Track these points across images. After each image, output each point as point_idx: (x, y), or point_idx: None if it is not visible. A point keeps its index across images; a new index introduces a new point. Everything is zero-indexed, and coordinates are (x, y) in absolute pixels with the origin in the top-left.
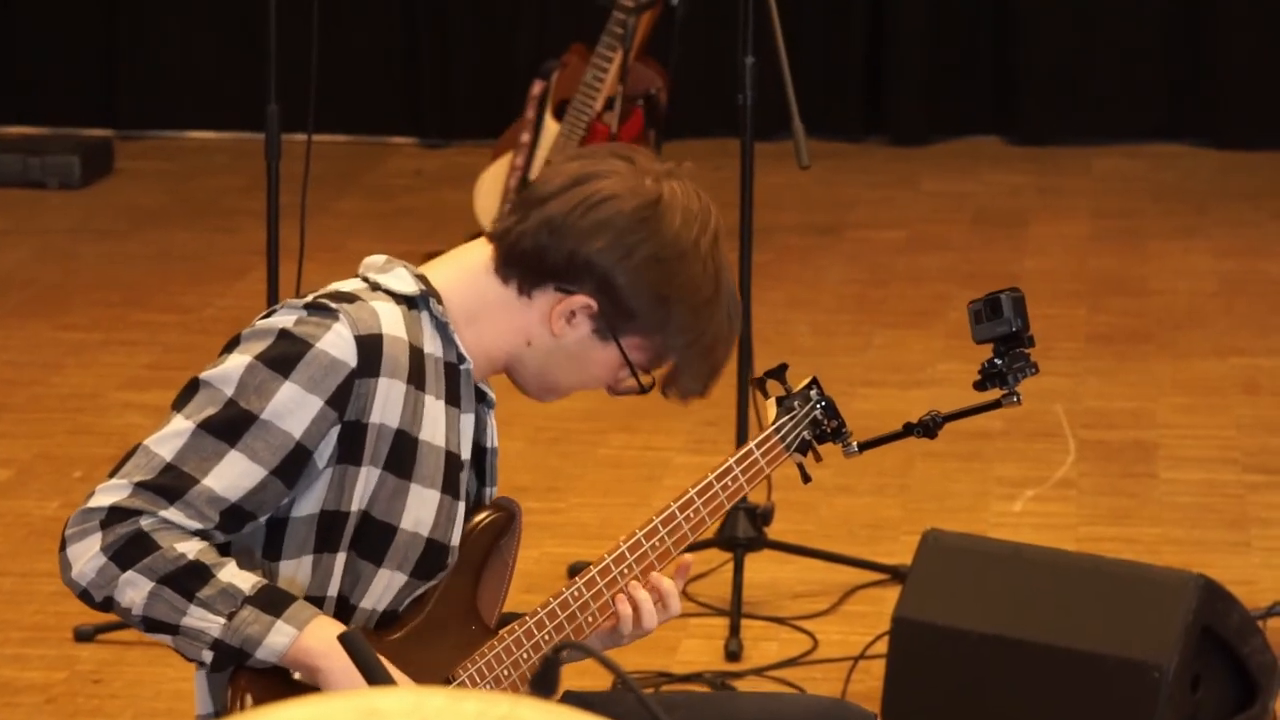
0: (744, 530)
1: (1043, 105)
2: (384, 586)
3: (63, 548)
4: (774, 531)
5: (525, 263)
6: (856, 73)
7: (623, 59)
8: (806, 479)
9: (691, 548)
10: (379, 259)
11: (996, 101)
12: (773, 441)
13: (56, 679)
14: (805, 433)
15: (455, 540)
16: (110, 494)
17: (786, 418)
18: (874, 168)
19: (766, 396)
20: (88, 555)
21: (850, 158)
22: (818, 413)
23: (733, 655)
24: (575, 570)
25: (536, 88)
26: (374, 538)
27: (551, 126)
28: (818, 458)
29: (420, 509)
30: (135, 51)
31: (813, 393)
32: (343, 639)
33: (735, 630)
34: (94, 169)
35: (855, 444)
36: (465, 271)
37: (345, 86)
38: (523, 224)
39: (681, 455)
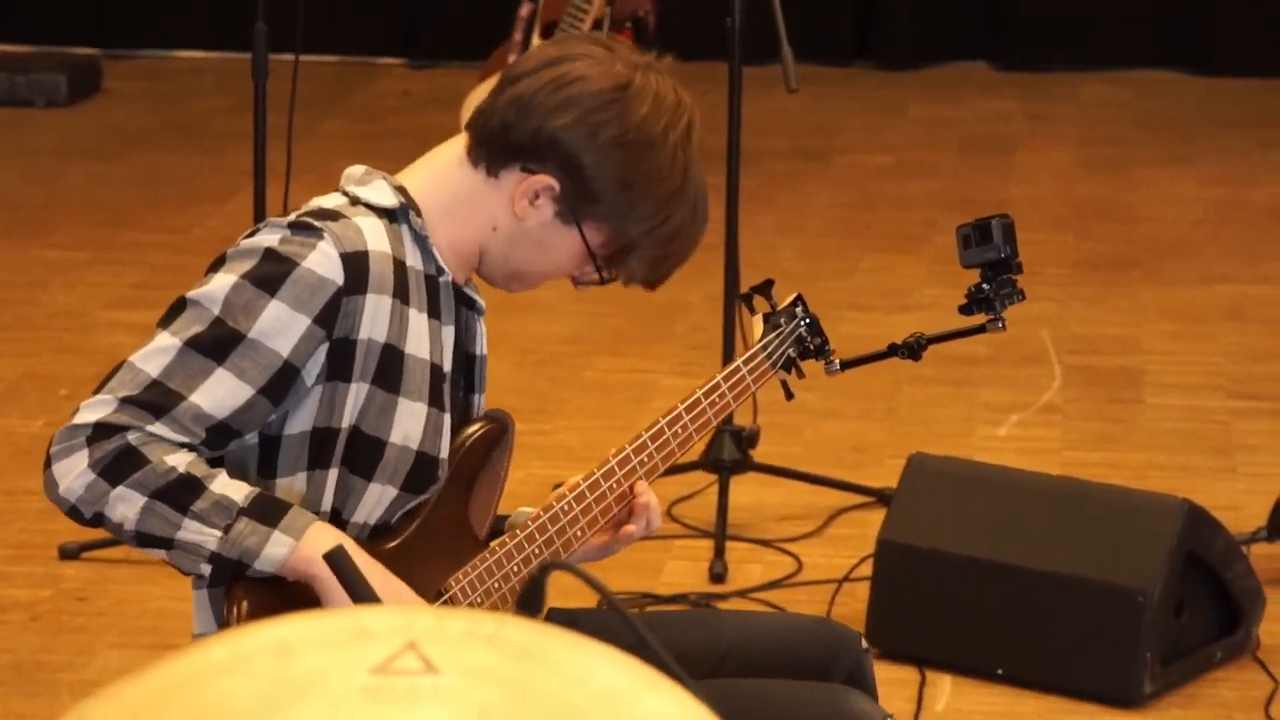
0: (729, 453)
1: (1031, 31)
2: (375, 501)
3: (47, 465)
4: (759, 454)
5: (493, 141)
6: None
7: None
8: (790, 396)
9: (676, 470)
10: (358, 170)
11: (985, 27)
12: (759, 359)
13: (41, 597)
14: (790, 350)
15: (444, 453)
16: (95, 410)
17: (773, 335)
18: (862, 93)
19: (753, 313)
20: (75, 472)
21: (838, 83)
22: (802, 330)
23: (717, 577)
24: None
25: (524, 9)
26: (364, 452)
27: None
28: (800, 375)
29: (408, 423)
30: None
31: (798, 310)
32: (327, 557)
33: (720, 552)
34: (81, 88)
35: (838, 362)
36: (438, 168)
37: (333, 6)
38: (494, 103)
39: (668, 378)
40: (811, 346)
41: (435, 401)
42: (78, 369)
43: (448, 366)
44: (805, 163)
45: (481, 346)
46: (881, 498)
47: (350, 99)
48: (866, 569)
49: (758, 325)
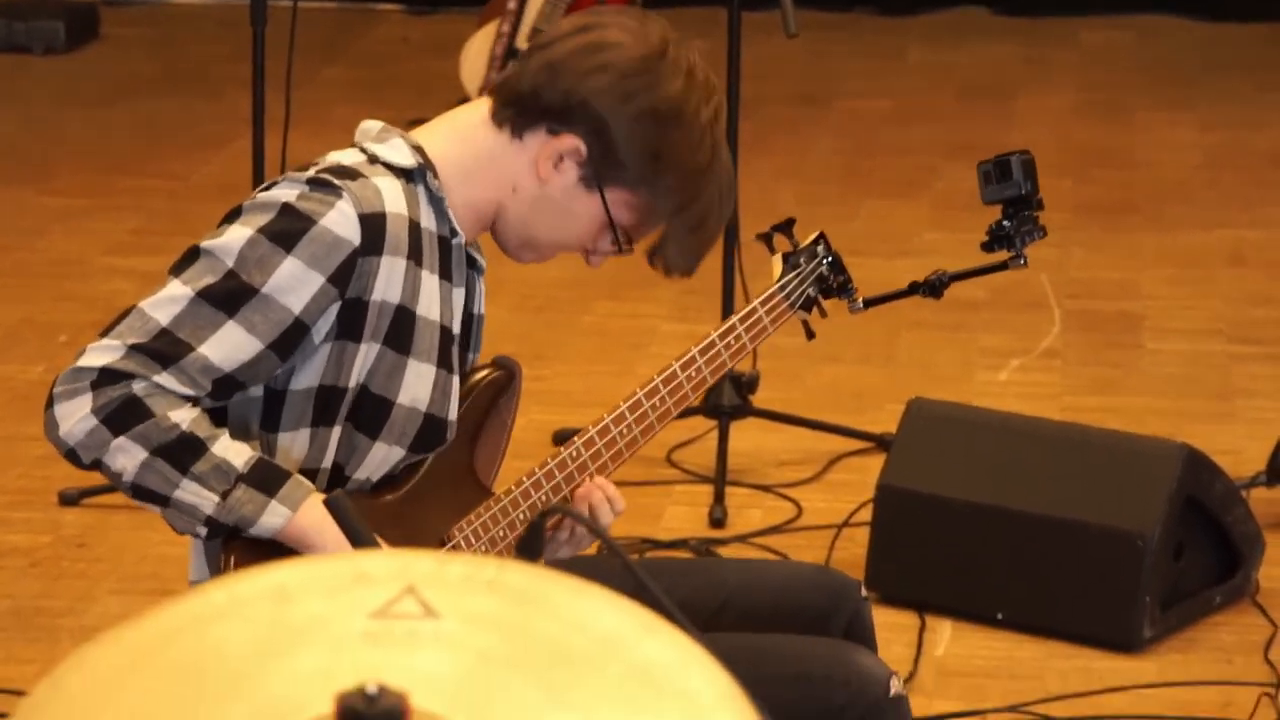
0: (729, 398)
1: None
2: (380, 460)
3: (49, 405)
4: (759, 400)
5: (521, 102)
6: None
7: None
8: (810, 335)
9: (676, 415)
10: (373, 126)
11: None
12: (777, 299)
13: (41, 543)
14: (810, 289)
15: (453, 414)
16: (102, 354)
17: (792, 274)
18: (861, 38)
19: (773, 252)
20: (77, 415)
21: (838, 28)
22: (824, 268)
23: (717, 522)
24: (561, 438)
25: None
26: (371, 411)
27: None
28: (823, 313)
29: (417, 384)
30: None
31: (819, 248)
32: (328, 504)
33: (720, 498)
34: (79, 34)
35: (861, 300)
36: (459, 129)
37: None
38: (524, 66)
39: (667, 323)
40: (834, 284)
41: (444, 363)
42: (77, 315)
43: (457, 328)
44: (805, 108)
45: (480, 305)
46: (881, 443)
47: (349, 46)
48: (866, 514)
49: (777, 264)
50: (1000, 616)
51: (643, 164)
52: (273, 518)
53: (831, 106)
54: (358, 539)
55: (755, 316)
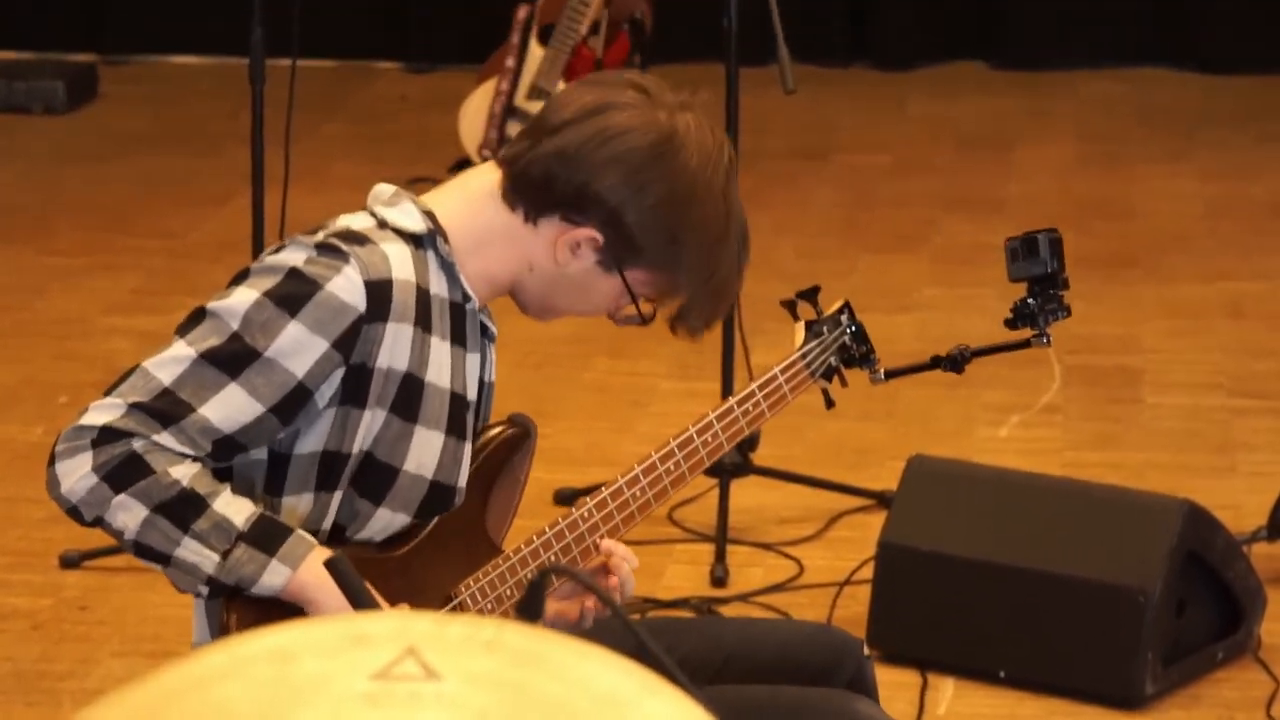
0: (730, 456)
1: (1028, 29)
2: (383, 525)
3: (51, 463)
4: (760, 457)
5: (533, 190)
6: None
7: None
8: (830, 404)
9: None
10: (386, 190)
11: (981, 25)
12: (798, 368)
13: (42, 605)
14: (832, 359)
15: (462, 481)
16: (104, 413)
17: (815, 343)
18: (859, 92)
19: (796, 319)
20: (79, 473)
21: (835, 82)
22: (847, 338)
23: (718, 581)
24: (562, 496)
25: (522, 12)
26: (376, 478)
27: (536, 51)
28: (844, 383)
29: (424, 451)
30: None
31: (843, 317)
32: (329, 565)
33: (721, 556)
34: (78, 94)
35: (883, 371)
36: (470, 199)
37: (330, 10)
38: (534, 150)
39: (667, 381)
40: (856, 354)
41: (454, 430)
42: (77, 375)
43: (472, 395)
44: (803, 162)
45: (491, 373)
46: (882, 500)
47: (348, 102)
48: (868, 572)
49: (800, 332)
50: (1003, 674)
51: (661, 246)
52: (274, 577)
53: (830, 160)
54: (358, 600)
55: (775, 384)
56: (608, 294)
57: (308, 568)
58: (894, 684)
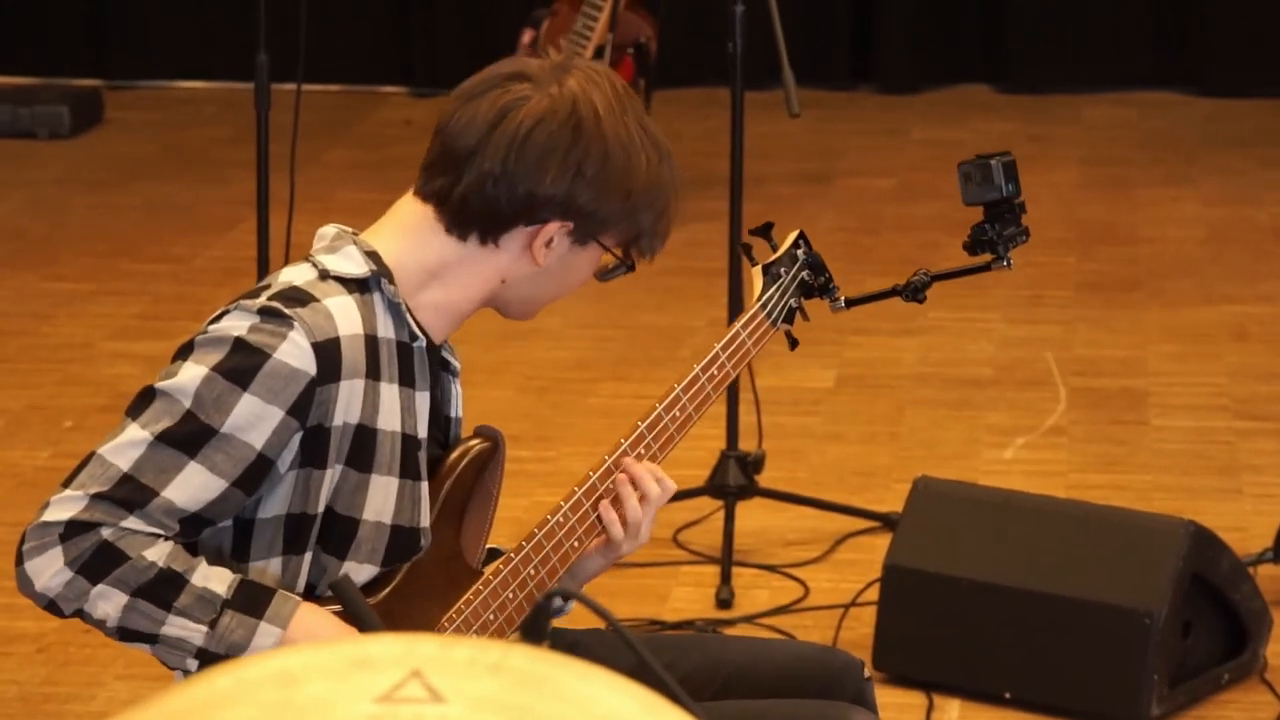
0: (735, 478)
1: (1032, 53)
2: (354, 578)
3: (19, 562)
4: (765, 479)
5: (482, 219)
6: (846, 21)
7: (612, 7)
8: (794, 344)
9: (682, 496)
10: (329, 232)
11: (985, 49)
12: (759, 319)
13: (48, 629)
14: (792, 300)
15: (424, 521)
16: (66, 507)
17: (774, 289)
18: (864, 116)
19: (754, 263)
20: (51, 570)
21: (840, 106)
22: (805, 275)
23: (724, 603)
24: None
25: (526, 36)
26: (339, 531)
27: None
28: (805, 317)
29: (380, 498)
30: (124, 1)
31: (799, 251)
32: (333, 587)
33: (726, 578)
34: (83, 119)
35: (843, 299)
36: (413, 236)
37: (335, 36)
38: (460, 184)
39: None
40: (815, 286)
41: (408, 472)
42: (82, 400)
43: (422, 433)
44: (808, 186)
45: (457, 409)
46: (887, 522)
47: (352, 128)
48: (873, 594)
49: (757, 277)
50: (1008, 695)
51: (619, 206)
52: (264, 639)
53: (834, 184)
54: (363, 623)
55: (737, 341)
56: (587, 263)
57: (296, 625)
58: (900, 705)
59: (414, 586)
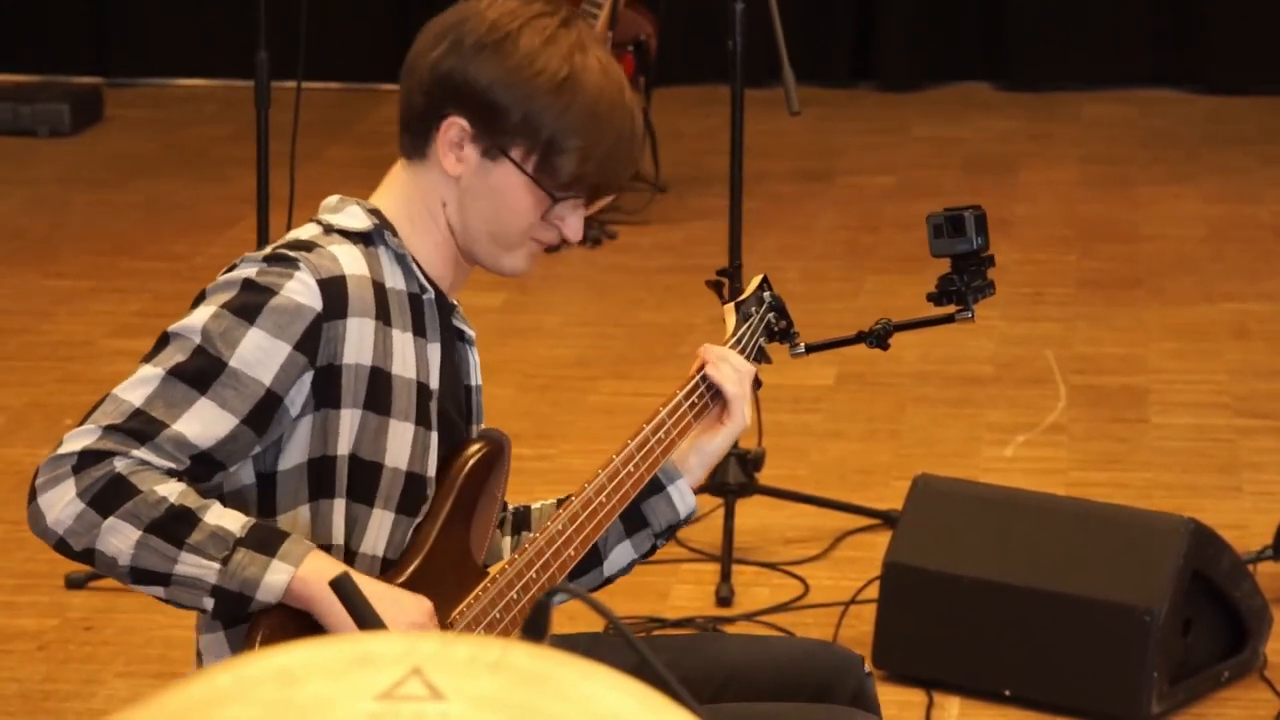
0: (735, 476)
1: (1033, 51)
2: (378, 528)
3: (32, 498)
4: (765, 477)
5: (406, 125)
6: (846, 19)
7: (612, 5)
8: (758, 385)
9: None
10: (333, 199)
11: (986, 47)
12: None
13: (48, 626)
14: (761, 339)
15: (431, 471)
16: (79, 439)
17: (745, 327)
18: (864, 114)
19: (724, 301)
20: (63, 502)
21: (840, 104)
22: (771, 317)
23: (724, 601)
24: None
25: None
26: (364, 479)
27: None
28: (767, 360)
29: (399, 444)
30: None
31: (765, 294)
32: (333, 585)
33: (726, 576)
34: (84, 117)
35: (803, 345)
36: (392, 183)
37: (335, 33)
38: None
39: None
40: (777, 330)
41: (422, 420)
42: (83, 398)
43: (435, 384)
44: (808, 184)
45: (475, 377)
46: (887, 520)
47: (353, 125)
48: (873, 591)
49: (730, 314)
50: (1008, 693)
51: (507, 94)
52: (276, 575)
53: (835, 182)
54: (363, 620)
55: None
56: (513, 191)
57: (309, 565)
58: (899, 703)
59: (425, 582)
